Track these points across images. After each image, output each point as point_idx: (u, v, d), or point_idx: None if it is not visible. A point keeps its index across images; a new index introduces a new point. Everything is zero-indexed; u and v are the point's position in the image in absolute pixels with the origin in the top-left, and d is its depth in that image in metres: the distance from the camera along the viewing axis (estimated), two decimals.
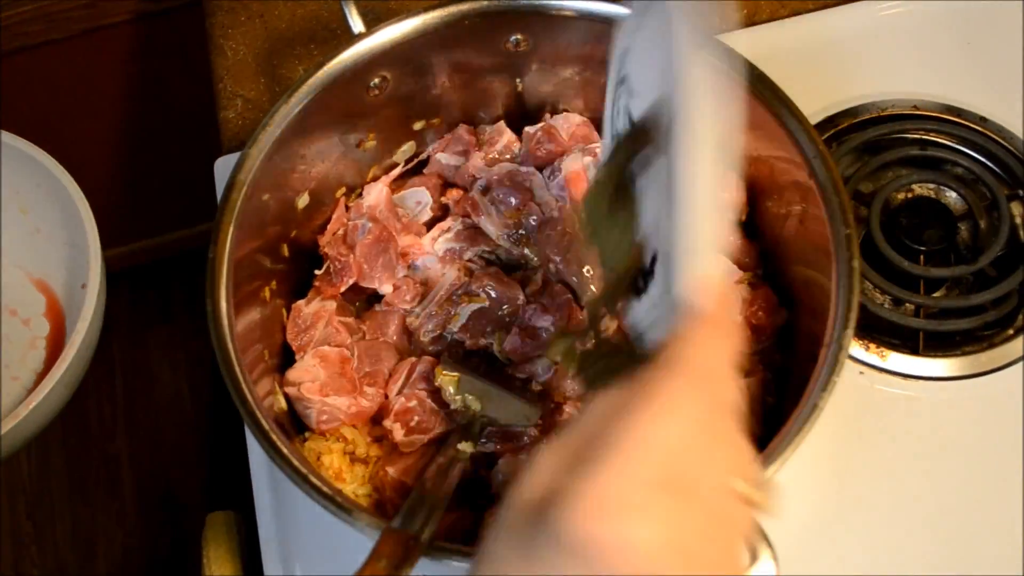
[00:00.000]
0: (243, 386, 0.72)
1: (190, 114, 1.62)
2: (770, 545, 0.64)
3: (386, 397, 0.87)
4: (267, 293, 0.86)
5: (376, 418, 0.86)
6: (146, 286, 2.05)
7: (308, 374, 0.84)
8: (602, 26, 0.86)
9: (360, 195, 0.94)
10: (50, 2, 1.48)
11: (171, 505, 1.91)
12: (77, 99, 1.65)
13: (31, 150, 0.95)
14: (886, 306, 0.95)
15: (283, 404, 0.84)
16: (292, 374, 0.84)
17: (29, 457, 1.96)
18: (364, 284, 0.89)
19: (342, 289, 0.89)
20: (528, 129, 0.95)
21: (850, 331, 0.72)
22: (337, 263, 0.89)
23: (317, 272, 0.90)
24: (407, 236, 0.92)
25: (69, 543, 1.90)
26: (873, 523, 0.87)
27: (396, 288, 0.90)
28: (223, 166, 1.05)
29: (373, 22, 0.86)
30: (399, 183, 0.97)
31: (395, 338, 0.90)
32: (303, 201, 0.89)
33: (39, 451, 1.96)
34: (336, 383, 0.85)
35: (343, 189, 0.94)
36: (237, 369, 0.72)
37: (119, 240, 1.95)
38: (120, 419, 1.99)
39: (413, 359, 0.87)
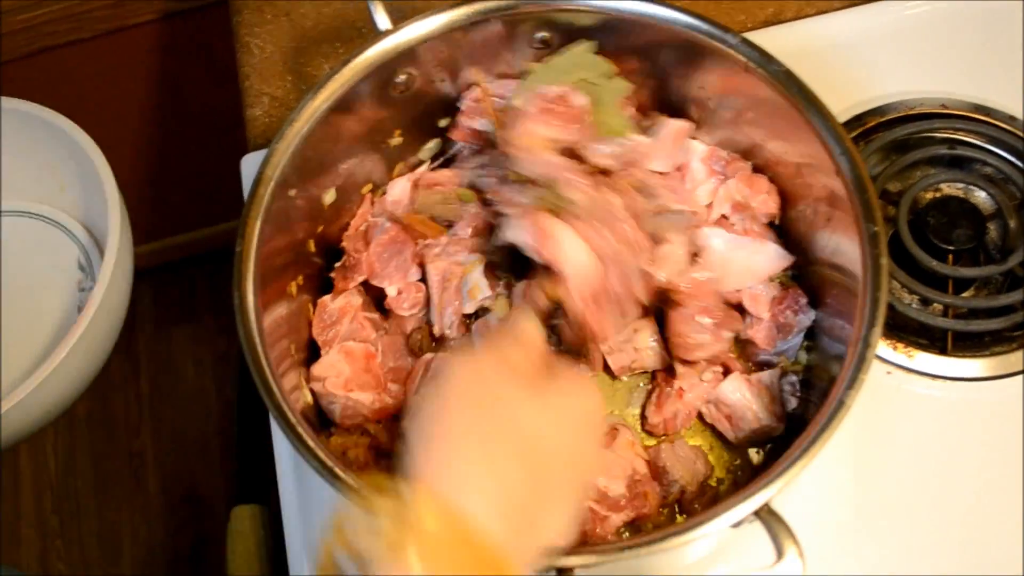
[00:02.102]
0: (269, 379, 0.72)
1: (215, 113, 1.63)
2: (796, 542, 0.64)
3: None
4: (294, 288, 0.86)
5: (399, 415, 0.86)
6: (172, 284, 2.06)
7: (333, 369, 0.84)
8: (628, 23, 0.86)
9: (385, 192, 0.95)
10: (76, 2, 1.49)
11: (195, 501, 1.92)
12: (103, 98, 1.66)
13: (57, 119, 0.96)
14: (914, 306, 0.95)
15: (309, 398, 0.84)
16: (317, 369, 0.85)
17: (55, 453, 1.98)
18: (374, 283, 0.89)
19: (351, 286, 0.89)
20: None
21: (878, 329, 0.71)
22: (351, 259, 0.89)
23: (337, 265, 0.91)
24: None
25: (94, 538, 1.91)
26: (900, 524, 0.86)
27: (399, 292, 0.90)
28: (249, 163, 1.05)
29: (399, 20, 0.86)
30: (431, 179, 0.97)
31: (412, 336, 0.90)
32: (329, 197, 0.89)
33: (65, 447, 1.98)
34: (361, 379, 0.85)
35: (370, 186, 0.94)
36: (264, 362, 0.73)
37: (145, 238, 1.96)
38: (145, 416, 2.00)
39: (429, 355, 0.87)
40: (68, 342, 0.83)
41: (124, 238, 0.89)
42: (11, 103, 0.96)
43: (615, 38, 0.89)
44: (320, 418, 0.85)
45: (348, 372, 0.85)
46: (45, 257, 1.01)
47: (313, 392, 0.85)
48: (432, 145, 0.97)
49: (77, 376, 0.87)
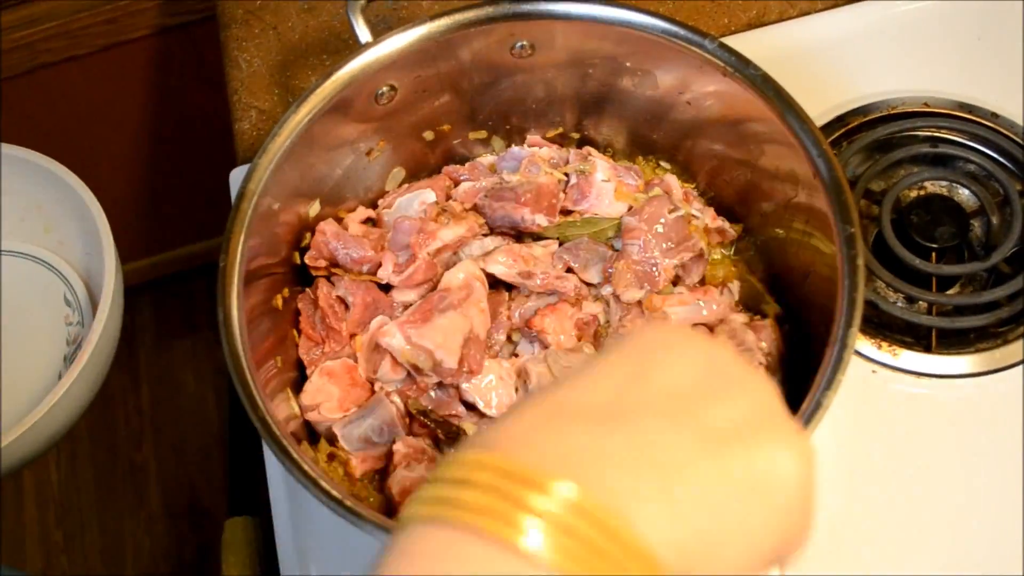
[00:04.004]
0: (255, 393, 0.73)
1: (209, 126, 1.64)
2: None
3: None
4: (279, 301, 0.87)
5: None
6: (170, 298, 2.07)
7: (321, 394, 0.84)
8: (609, 30, 0.87)
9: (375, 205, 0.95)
10: (71, 19, 1.50)
11: (197, 512, 1.93)
12: (98, 114, 1.67)
13: (49, 164, 0.97)
14: (899, 304, 0.95)
15: (296, 409, 0.84)
16: (306, 398, 0.84)
17: (58, 467, 1.99)
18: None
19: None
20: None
21: (854, 329, 0.71)
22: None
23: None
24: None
25: (98, 551, 1.92)
26: (886, 523, 0.87)
27: (394, 266, 0.88)
28: (238, 177, 1.06)
29: (382, 32, 0.87)
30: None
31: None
32: (314, 210, 0.90)
33: (67, 461, 1.99)
34: (352, 394, 0.85)
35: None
36: (248, 376, 0.73)
37: (142, 253, 1.97)
38: (146, 429, 2.01)
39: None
40: (66, 381, 0.85)
41: (117, 283, 0.91)
42: None
43: (595, 44, 0.89)
44: (308, 428, 0.86)
45: (338, 392, 0.85)
46: (31, 294, 1.03)
47: (309, 422, 0.85)
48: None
49: (73, 408, 0.89)
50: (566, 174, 0.93)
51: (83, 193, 0.95)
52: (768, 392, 0.44)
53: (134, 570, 1.90)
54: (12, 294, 1.03)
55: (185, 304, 2.08)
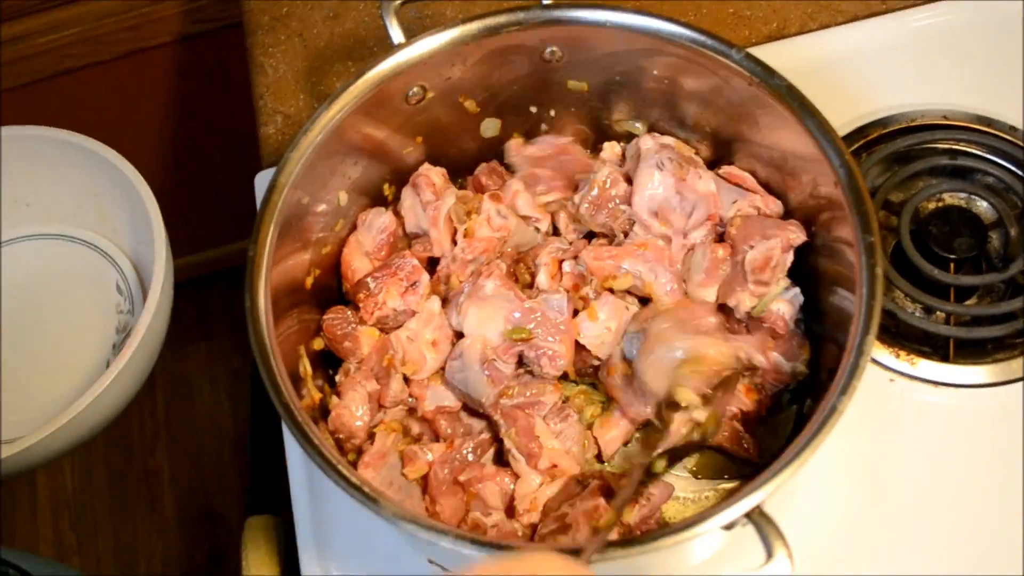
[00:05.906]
0: (279, 380, 0.74)
1: (231, 132, 1.66)
2: (786, 543, 0.64)
3: None
4: (305, 292, 0.88)
5: None
6: (187, 303, 2.06)
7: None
8: (637, 37, 0.88)
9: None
10: (95, 25, 1.52)
11: (209, 517, 1.93)
12: (120, 120, 1.68)
13: (106, 152, 0.98)
14: (917, 314, 0.96)
15: (316, 397, 0.85)
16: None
17: (72, 471, 1.99)
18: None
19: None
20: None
21: (871, 336, 0.72)
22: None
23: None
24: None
25: (111, 555, 1.92)
26: (903, 529, 0.87)
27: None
28: (263, 181, 1.07)
29: (412, 35, 0.88)
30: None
31: None
32: (344, 202, 0.91)
33: (82, 465, 2.00)
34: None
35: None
36: (273, 363, 0.74)
37: None
38: (161, 434, 2.02)
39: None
40: (114, 369, 0.86)
41: (167, 272, 0.92)
42: (55, 133, 1.00)
43: (624, 50, 0.90)
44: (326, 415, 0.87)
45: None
46: (85, 280, 1.04)
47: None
48: None
49: (117, 398, 0.90)
50: None
51: (137, 183, 0.96)
52: None
53: (146, 574, 1.90)
54: (66, 280, 1.04)
55: (201, 310, 2.09)
